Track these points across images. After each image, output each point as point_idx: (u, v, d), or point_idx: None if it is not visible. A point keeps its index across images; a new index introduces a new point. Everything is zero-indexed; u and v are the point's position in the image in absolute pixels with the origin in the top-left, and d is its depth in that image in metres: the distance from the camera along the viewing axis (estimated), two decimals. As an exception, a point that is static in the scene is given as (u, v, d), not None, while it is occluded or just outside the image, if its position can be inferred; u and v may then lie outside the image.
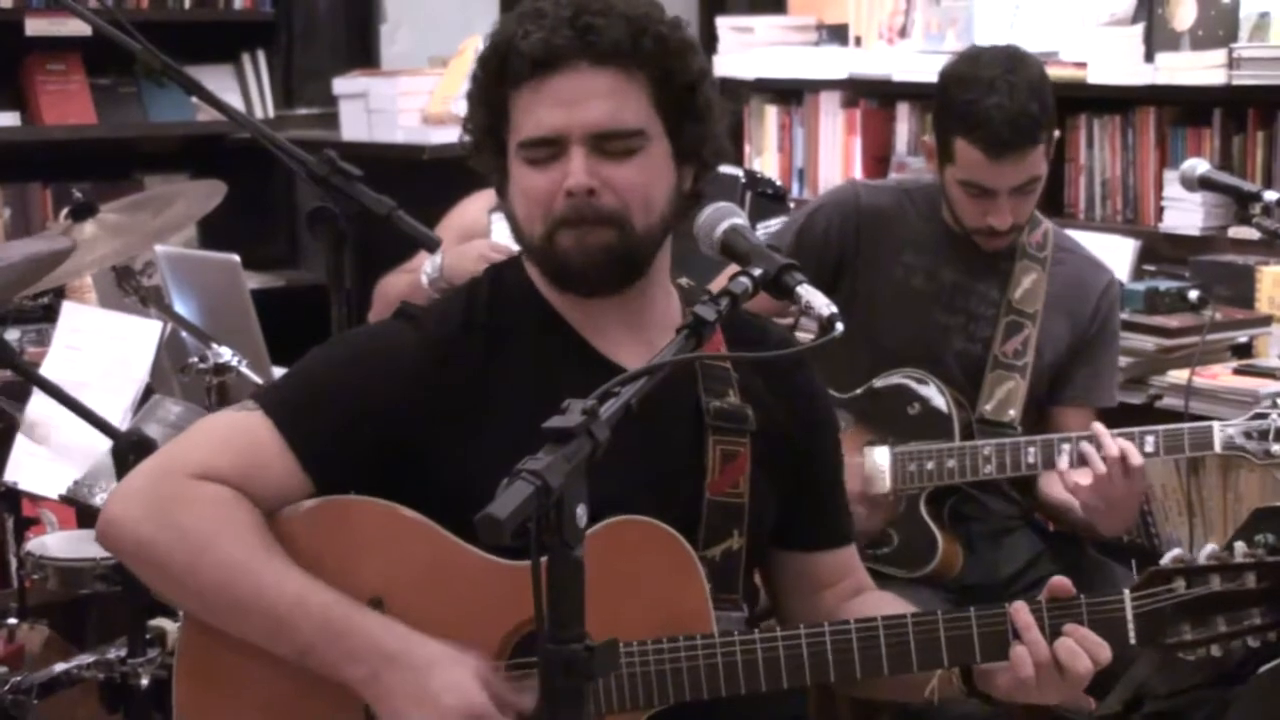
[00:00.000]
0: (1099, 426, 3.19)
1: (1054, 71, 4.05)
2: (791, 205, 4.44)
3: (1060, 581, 2.22)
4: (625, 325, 2.26)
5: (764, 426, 2.30)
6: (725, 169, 4.49)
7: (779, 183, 4.78)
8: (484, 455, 2.06)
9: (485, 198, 3.89)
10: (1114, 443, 3.14)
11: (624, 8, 2.18)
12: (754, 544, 2.30)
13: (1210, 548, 2.23)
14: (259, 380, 3.41)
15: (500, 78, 2.20)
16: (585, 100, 2.16)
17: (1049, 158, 3.34)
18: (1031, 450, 3.26)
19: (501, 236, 3.85)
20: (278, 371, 3.46)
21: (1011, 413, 3.41)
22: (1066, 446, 3.21)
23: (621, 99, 2.17)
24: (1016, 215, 3.35)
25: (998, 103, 3.24)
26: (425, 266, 3.84)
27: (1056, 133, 3.38)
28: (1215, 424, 3.21)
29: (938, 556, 3.39)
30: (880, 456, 3.39)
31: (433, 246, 2.70)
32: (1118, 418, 3.39)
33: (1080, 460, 3.17)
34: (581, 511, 1.74)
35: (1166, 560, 2.22)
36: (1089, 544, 3.51)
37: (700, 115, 2.24)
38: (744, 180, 4.39)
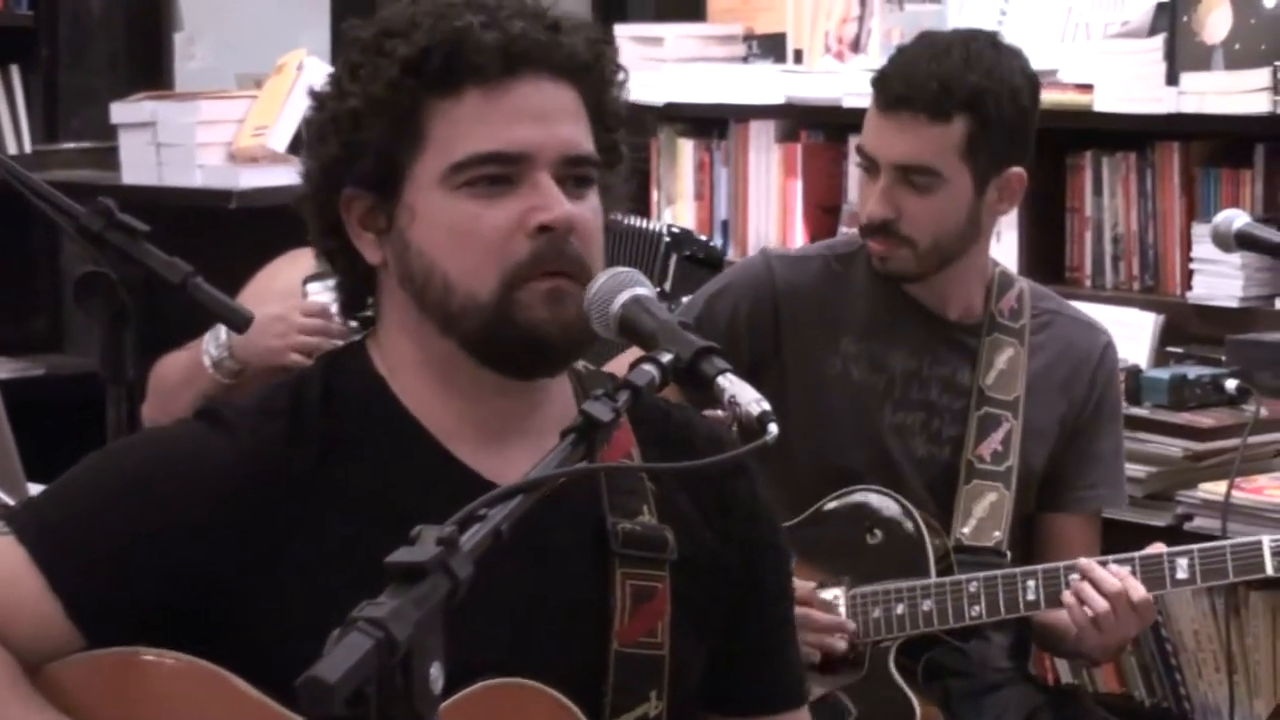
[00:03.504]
0: (1084, 562, 3.25)
1: (1050, 96, 4.11)
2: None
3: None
4: (505, 432, 2.24)
5: (688, 554, 2.29)
6: (640, 222, 4.50)
7: (713, 243, 4.79)
8: (312, 602, 2.05)
9: (299, 260, 3.80)
10: (1108, 575, 3.21)
11: (570, 14, 2.22)
12: (676, 709, 2.28)
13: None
14: (9, 501, 3.38)
15: (420, 78, 2.16)
16: (557, 116, 2.18)
17: (976, 170, 3.36)
18: (1031, 584, 3.31)
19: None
20: (35, 490, 3.43)
21: (997, 534, 3.45)
22: (1075, 577, 3.25)
23: (580, 123, 2.21)
24: (896, 211, 3.38)
25: (914, 54, 3.38)
26: (207, 342, 3.77)
27: (1018, 170, 3.41)
28: (1266, 538, 3.25)
29: None
30: (833, 602, 3.40)
31: (241, 325, 2.69)
32: (1136, 542, 3.42)
33: (1076, 596, 3.23)
34: (436, 672, 1.74)
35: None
36: (1094, 703, 3.54)
37: (620, 158, 2.29)
38: (667, 239, 4.40)
